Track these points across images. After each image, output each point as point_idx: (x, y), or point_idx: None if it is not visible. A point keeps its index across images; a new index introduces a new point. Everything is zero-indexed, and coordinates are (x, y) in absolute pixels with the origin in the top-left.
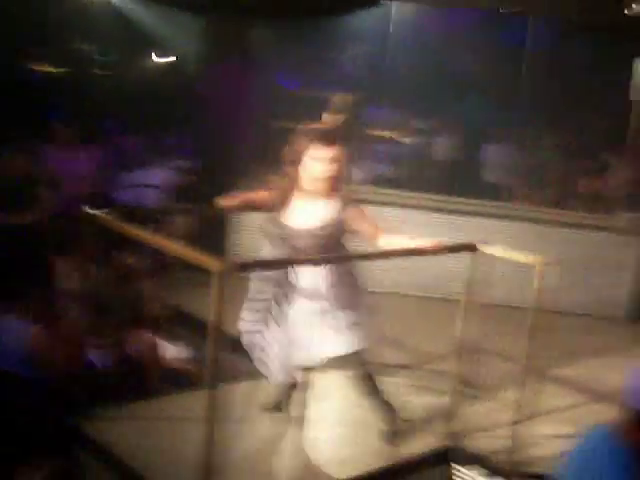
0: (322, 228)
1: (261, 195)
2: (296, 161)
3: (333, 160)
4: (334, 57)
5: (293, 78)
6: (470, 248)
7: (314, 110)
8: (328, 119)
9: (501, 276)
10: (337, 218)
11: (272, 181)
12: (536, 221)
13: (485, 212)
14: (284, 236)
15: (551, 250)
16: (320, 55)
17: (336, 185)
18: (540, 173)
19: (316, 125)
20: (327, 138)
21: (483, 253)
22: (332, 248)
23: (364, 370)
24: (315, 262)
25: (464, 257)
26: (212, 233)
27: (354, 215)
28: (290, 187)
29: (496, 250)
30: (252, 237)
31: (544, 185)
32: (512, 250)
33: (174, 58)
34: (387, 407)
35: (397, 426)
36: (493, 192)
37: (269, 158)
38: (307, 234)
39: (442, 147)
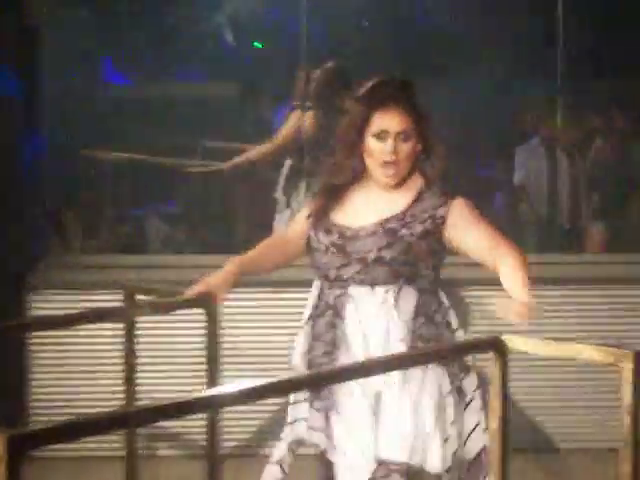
0: (398, 222)
1: (274, 244)
2: (355, 144)
3: (408, 130)
4: (194, 28)
5: (123, 66)
6: (492, 344)
7: (165, 116)
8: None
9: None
10: (427, 213)
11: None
12: (627, 281)
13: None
14: (337, 241)
15: None
16: (167, 25)
17: (421, 169)
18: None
19: (374, 83)
20: (394, 98)
21: (518, 351)
22: (412, 263)
23: None
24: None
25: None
26: None
27: (459, 214)
28: (348, 180)
29: (542, 343)
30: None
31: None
32: (572, 339)
33: None
34: None
35: None
36: (544, 237)
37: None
38: (370, 233)
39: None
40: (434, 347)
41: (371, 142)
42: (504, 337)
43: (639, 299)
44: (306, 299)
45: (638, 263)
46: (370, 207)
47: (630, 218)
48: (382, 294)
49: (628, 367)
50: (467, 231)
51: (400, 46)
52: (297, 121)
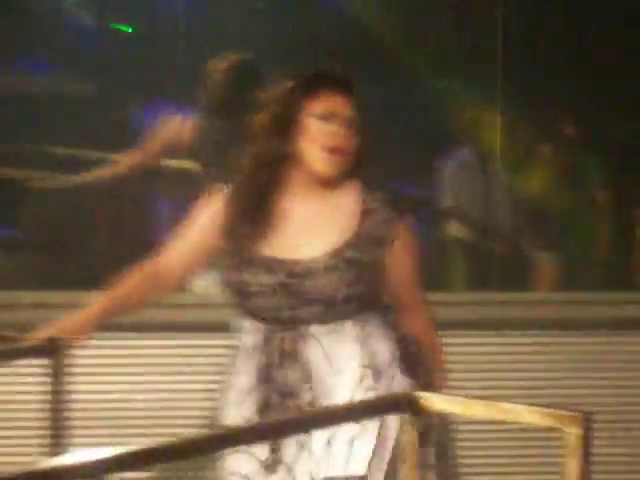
0: (355, 248)
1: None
2: (288, 130)
3: (354, 118)
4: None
5: None
6: (403, 403)
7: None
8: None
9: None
10: (380, 232)
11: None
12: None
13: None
14: (285, 280)
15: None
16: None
17: (361, 167)
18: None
19: (313, 70)
20: (339, 83)
21: (436, 411)
22: (376, 290)
23: None
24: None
25: None
26: None
27: (402, 239)
28: (275, 182)
29: (467, 403)
30: None
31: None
32: (509, 397)
33: None
34: None
35: None
36: (477, 271)
37: None
38: (330, 267)
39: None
40: (329, 409)
41: (314, 123)
42: (418, 394)
43: (594, 347)
44: (177, 346)
45: (595, 303)
46: (314, 228)
47: (585, 247)
48: (350, 329)
49: (575, 433)
50: (398, 260)
51: (304, 37)
52: (177, 129)
